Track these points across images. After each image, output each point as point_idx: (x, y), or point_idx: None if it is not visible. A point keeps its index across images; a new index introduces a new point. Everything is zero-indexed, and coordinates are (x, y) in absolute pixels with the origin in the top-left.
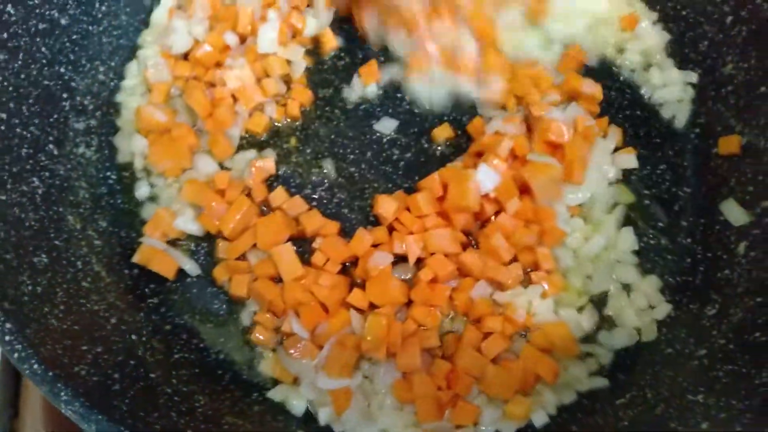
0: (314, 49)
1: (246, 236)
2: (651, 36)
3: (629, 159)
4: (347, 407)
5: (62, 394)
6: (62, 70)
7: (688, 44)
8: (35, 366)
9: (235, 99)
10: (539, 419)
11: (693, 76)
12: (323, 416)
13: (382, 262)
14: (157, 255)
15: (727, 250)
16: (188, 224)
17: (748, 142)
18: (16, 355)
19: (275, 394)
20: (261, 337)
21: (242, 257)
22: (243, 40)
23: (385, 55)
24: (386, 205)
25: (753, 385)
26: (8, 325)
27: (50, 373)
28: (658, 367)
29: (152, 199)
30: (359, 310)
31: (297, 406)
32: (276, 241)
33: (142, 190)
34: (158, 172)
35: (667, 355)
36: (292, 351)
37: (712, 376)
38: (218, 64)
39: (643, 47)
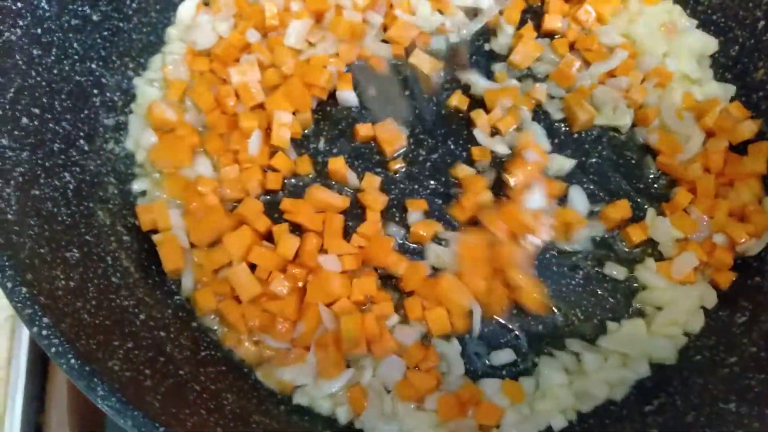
0: None
1: (218, 251)
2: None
3: None
4: (364, 406)
5: (99, 389)
6: (93, 66)
7: (719, 50)
8: (72, 361)
9: (238, 97)
10: (558, 423)
11: (731, 90)
12: (342, 415)
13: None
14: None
15: (758, 257)
16: (176, 219)
17: None
18: (53, 349)
19: (301, 399)
20: (243, 358)
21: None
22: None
23: None
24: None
25: None
26: (45, 320)
27: (87, 368)
28: (687, 374)
29: (143, 193)
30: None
31: (323, 407)
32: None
33: (139, 184)
34: (156, 168)
35: (697, 362)
36: (284, 363)
37: (743, 384)
38: (237, 60)
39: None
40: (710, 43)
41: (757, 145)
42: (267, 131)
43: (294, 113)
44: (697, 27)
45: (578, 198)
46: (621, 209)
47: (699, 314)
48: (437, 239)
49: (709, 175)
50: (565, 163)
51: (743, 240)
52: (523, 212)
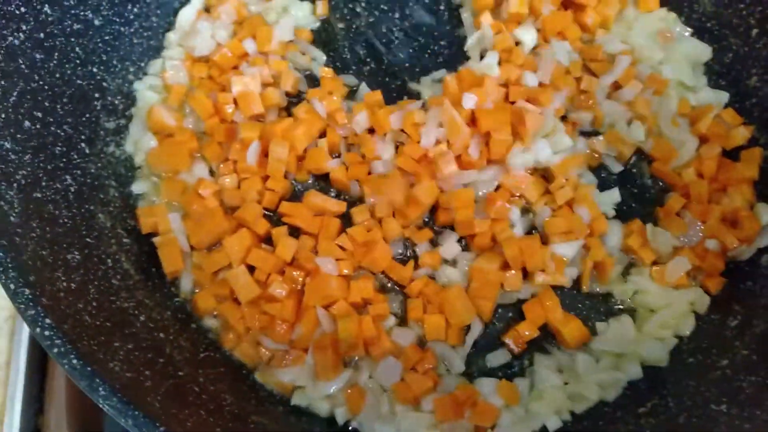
0: None
1: (217, 253)
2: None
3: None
4: (362, 406)
5: (100, 389)
6: (95, 70)
7: (713, 57)
8: (74, 361)
9: (236, 105)
10: (552, 424)
11: (724, 97)
12: (340, 416)
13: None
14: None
15: (750, 261)
16: (176, 222)
17: None
18: (56, 350)
19: (299, 400)
20: (242, 359)
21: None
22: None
23: None
24: None
25: None
26: (48, 321)
27: (89, 369)
28: (680, 377)
29: (142, 196)
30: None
31: (322, 408)
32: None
33: (138, 187)
34: (155, 172)
35: (689, 364)
36: (283, 364)
37: (735, 386)
38: (235, 68)
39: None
40: (704, 51)
41: (750, 152)
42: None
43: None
44: (692, 35)
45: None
46: (638, 237)
47: (690, 318)
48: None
49: (702, 181)
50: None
51: (735, 245)
52: (549, 255)
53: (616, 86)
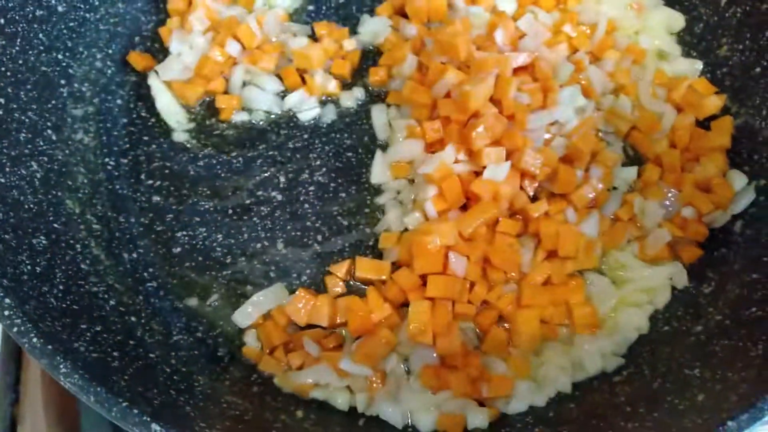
0: None
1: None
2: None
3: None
4: (380, 388)
5: (61, 366)
6: (60, 56)
7: (684, 27)
8: (34, 339)
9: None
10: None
11: (698, 66)
12: (360, 403)
13: None
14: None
15: (723, 229)
16: None
17: (744, 123)
18: (15, 329)
19: (318, 394)
20: (265, 369)
21: None
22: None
23: None
24: None
25: (748, 357)
26: (7, 301)
27: (49, 347)
28: (656, 345)
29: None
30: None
31: (341, 398)
32: None
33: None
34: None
35: (665, 332)
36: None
37: (708, 350)
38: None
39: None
40: (678, 19)
41: (721, 120)
42: None
43: None
44: (664, 5)
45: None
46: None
47: (666, 289)
48: None
49: (675, 151)
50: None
51: (710, 210)
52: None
53: (596, 57)
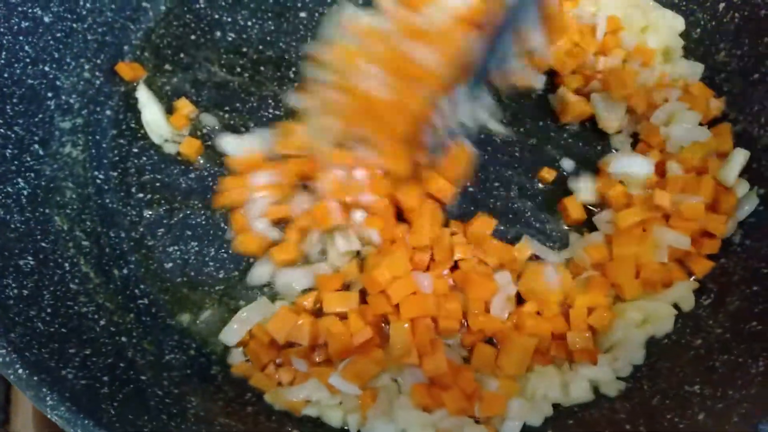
0: None
1: None
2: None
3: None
4: (371, 405)
5: (48, 398)
6: (47, 68)
7: (683, 31)
8: (20, 371)
9: None
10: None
11: (699, 68)
12: (353, 423)
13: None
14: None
15: (723, 239)
16: None
17: (743, 130)
18: (0, 360)
19: (311, 411)
20: (256, 385)
21: None
22: None
23: None
24: None
25: (749, 374)
26: None
27: (35, 378)
28: (655, 359)
29: None
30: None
31: (334, 416)
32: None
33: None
34: None
35: (664, 345)
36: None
37: (709, 366)
38: None
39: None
40: (678, 21)
41: (720, 127)
42: None
43: None
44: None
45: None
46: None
47: (670, 318)
48: None
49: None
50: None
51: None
52: None
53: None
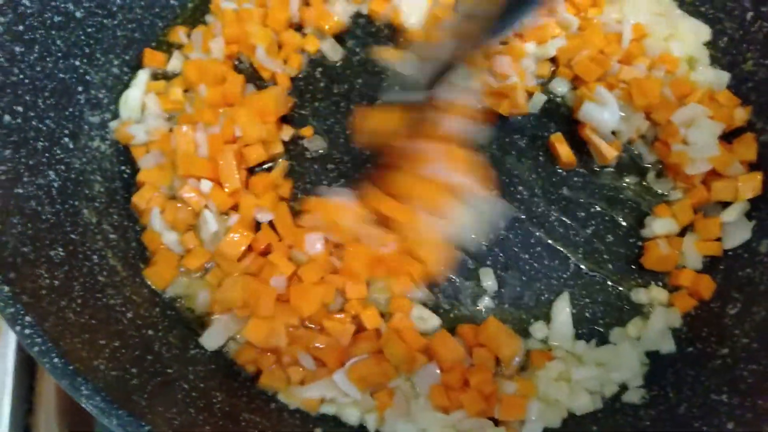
0: None
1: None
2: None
3: None
4: (389, 406)
5: (83, 388)
6: (77, 63)
7: (708, 41)
8: (56, 360)
9: None
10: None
11: (725, 77)
12: (371, 423)
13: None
14: None
15: (749, 248)
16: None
17: None
18: (36, 348)
19: (327, 409)
20: (266, 385)
21: None
22: None
23: None
24: None
25: None
26: (28, 319)
27: (71, 368)
28: (680, 366)
29: None
30: None
31: (351, 415)
32: None
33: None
34: None
35: (689, 353)
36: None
37: (735, 375)
38: None
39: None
40: (704, 30)
41: (744, 137)
42: None
43: None
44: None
45: None
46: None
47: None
48: None
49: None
50: None
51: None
52: None
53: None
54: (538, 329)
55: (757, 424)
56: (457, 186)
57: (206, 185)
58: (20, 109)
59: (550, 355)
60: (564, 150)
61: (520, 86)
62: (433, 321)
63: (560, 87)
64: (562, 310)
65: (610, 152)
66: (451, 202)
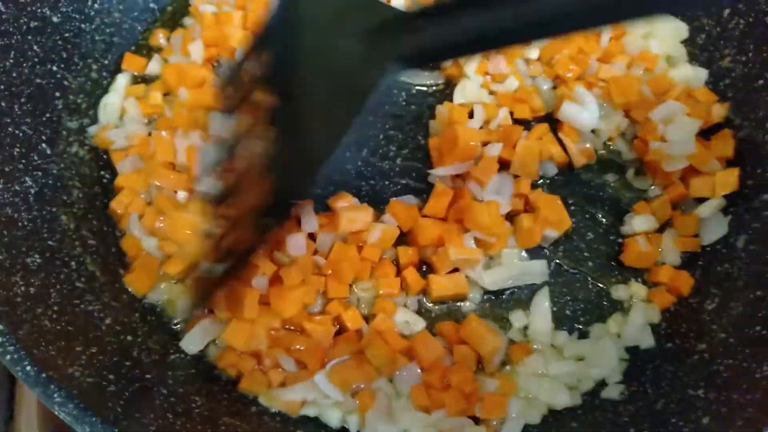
0: None
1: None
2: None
3: None
4: (370, 407)
5: (56, 395)
6: (54, 68)
7: (686, 39)
8: (28, 368)
9: None
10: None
11: (703, 74)
12: (353, 424)
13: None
14: None
15: (727, 243)
16: None
17: (747, 135)
18: (8, 357)
19: (308, 411)
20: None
21: None
22: None
23: None
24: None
25: (754, 379)
26: (0, 327)
27: (43, 375)
28: (658, 362)
29: None
30: None
31: (332, 416)
32: None
33: None
34: None
35: (667, 349)
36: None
37: (712, 370)
38: None
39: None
40: (682, 28)
41: (721, 133)
42: None
43: None
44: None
45: None
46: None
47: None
48: None
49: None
50: None
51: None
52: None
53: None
54: (517, 318)
55: (731, 419)
56: None
57: (182, 195)
58: None
59: (529, 348)
60: (556, 150)
61: (531, 89)
62: (419, 325)
63: (544, 86)
64: (541, 303)
65: (580, 160)
66: None
